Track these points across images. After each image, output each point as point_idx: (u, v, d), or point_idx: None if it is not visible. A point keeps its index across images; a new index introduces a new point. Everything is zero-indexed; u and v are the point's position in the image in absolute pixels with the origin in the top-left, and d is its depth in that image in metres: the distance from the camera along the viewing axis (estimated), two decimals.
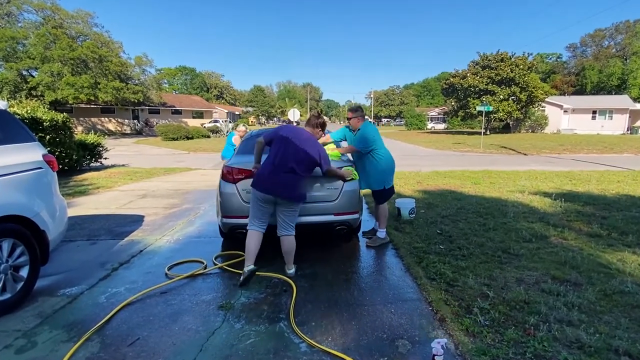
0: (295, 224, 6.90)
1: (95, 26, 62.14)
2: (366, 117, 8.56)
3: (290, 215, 6.78)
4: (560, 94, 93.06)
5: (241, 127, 14.39)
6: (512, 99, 61.55)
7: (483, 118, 46.55)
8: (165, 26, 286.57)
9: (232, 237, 8.00)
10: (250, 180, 7.12)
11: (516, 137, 56.54)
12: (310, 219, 7.38)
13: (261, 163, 6.87)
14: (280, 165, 6.54)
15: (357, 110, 8.54)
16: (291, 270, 6.90)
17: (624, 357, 4.40)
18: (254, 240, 6.70)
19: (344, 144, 8.95)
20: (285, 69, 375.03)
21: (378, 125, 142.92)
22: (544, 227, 9.59)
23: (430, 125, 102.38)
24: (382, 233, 8.74)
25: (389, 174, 8.57)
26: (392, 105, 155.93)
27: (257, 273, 6.82)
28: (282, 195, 6.53)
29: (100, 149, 22.68)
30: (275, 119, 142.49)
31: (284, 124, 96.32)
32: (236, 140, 13.80)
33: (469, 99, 63.57)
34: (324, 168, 6.79)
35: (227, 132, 58.63)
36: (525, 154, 32.65)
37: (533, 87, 60.35)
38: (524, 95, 60.35)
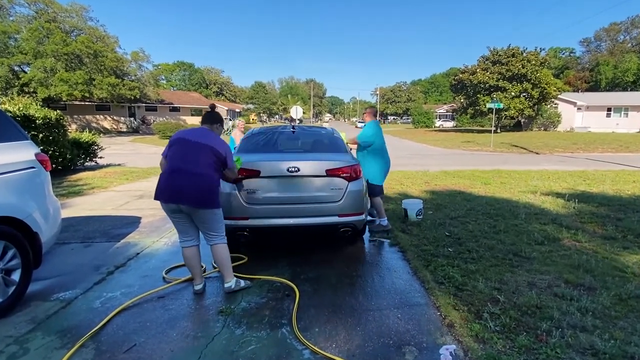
0: (223, 230, 6.56)
1: (90, 20, 62.08)
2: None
3: (210, 222, 6.36)
4: (574, 91, 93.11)
5: (238, 121, 14.47)
6: (524, 96, 61.54)
7: (493, 115, 46.30)
8: (163, 20, 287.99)
9: (233, 239, 8.01)
10: (251, 180, 7.16)
11: (528, 135, 56.48)
12: (313, 220, 7.38)
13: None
14: (177, 168, 6.04)
15: (371, 107, 10.97)
16: (229, 284, 6.41)
17: None
18: (187, 256, 6.46)
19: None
20: (288, 64, 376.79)
21: (384, 123, 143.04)
22: (557, 229, 9.59)
23: (438, 123, 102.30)
24: (384, 221, 9.70)
25: (377, 172, 9.91)
26: (398, 102, 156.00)
27: (259, 277, 6.85)
28: (185, 202, 5.99)
29: (95, 147, 22.68)
30: (277, 116, 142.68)
31: (286, 121, 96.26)
32: (236, 135, 13.84)
33: (478, 95, 63.50)
34: (230, 164, 6.40)
35: (227, 130, 58.67)
36: (537, 153, 32.64)
37: (545, 84, 60.29)
38: (536, 91, 60.32)
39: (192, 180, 5.97)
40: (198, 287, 6.41)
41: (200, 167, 6.05)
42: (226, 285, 6.41)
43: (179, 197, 5.95)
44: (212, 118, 6.63)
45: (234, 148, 9.75)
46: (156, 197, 6.06)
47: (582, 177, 18.00)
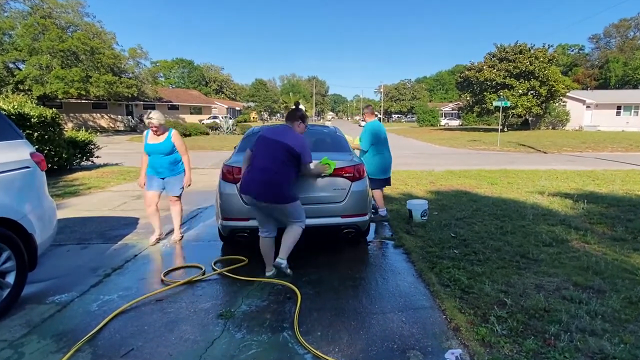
0: (303, 216, 6.95)
1: (87, 16, 62.03)
2: (375, 114, 10.36)
3: (289, 214, 6.81)
4: (583, 88, 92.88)
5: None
6: (532, 94, 61.48)
7: (500, 114, 46.37)
8: (161, 16, 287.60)
9: (233, 240, 8.01)
10: None
11: (535, 134, 56.48)
12: (315, 221, 7.38)
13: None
14: (258, 166, 6.64)
15: (368, 106, 11.49)
16: (282, 261, 6.79)
17: None
18: (263, 245, 7.00)
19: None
20: (289, 61, 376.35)
21: (388, 121, 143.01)
22: (565, 230, 9.58)
23: (443, 121, 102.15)
24: (383, 212, 10.59)
25: (375, 166, 10.60)
26: (403, 100, 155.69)
27: (259, 279, 6.86)
28: (262, 199, 6.57)
29: (92, 146, 22.67)
30: (278, 114, 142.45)
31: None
32: None
33: (485, 93, 63.46)
34: (305, 160, 6.70)
35: (228, 129, 58.68)
36: (545, 152, 32.64)
37: (554, 81, 60.19)
38: (544, 89, 60.23)
39: (269, 177, 6.54)
40: (269, 273, 7.01)
41: (277, 164, 6.57)
42: (279, 260, 6.83)
43: (258, 194, 6.57)
44: (292, 116, 7.14)
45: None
46: (241, 189, 6.81)
47: (591, 177, 18.01)
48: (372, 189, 9.85)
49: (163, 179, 8.92)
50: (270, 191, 6.53)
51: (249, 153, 6.96)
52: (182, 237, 9.43)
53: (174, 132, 8.91)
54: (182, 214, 9.63)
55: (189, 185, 9.17)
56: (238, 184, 7.24)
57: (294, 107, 7.32)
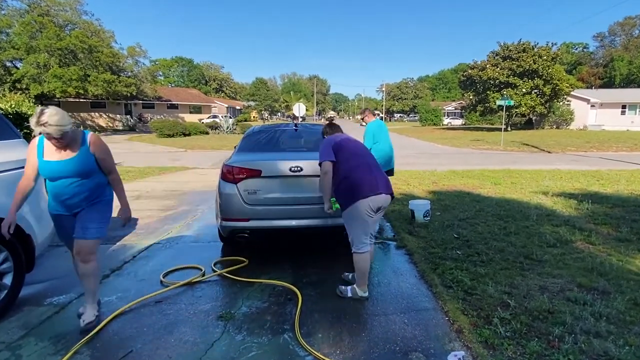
0: None
1: (85, 14, 62.10)
2: (376, 113, 10.61)
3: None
4: (587, 87, 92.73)
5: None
6: (535, 93, 61.37)
7: (504, 113, 46.21)
8: (161, 14, 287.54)
9: (233, 241, 8.01)
10: (251, 180, 7.15)
11: (539, 133, 56.42)
12: (316, 222, 7.37)
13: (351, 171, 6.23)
14: (368, 165, 6.32)
15: (366, 109, 12.14)
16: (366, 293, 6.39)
17: None
18: (367, 260, 6.34)
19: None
20: (290, 60, 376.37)
21: (390, 120, 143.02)
22: (570, 230, 9.57)
23: (446, 120, 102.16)
24: None
25: (381, 160, 10.05)
26: (405, 99, 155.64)
27: (260, 280, 6.86)
28: (388, 192, 6.24)
29: None
30: (279, 114, 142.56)
31: (289, 119, 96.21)
32: None
33: (488, 92, 63.39)
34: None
35: (228, 128, 58.67)
36: (549, 152, 32.63)
37: (558, 80, 60.14)
38: (548, 88, 60.18)
39: (382, 173, 6.38)
40: (365, 294, 6.32)
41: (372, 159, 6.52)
42: (365, 294, 6.43)
43: (387, 189, 6.18)
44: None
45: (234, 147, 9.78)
46: (363, 195, 6.01)
47: (596, 177, 17.98)
48: None
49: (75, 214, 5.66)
50: (389, 186, 6.29)
51: (329, 166, 6.24)
52: (97, 317, 5.63)
53: (91, 136, 5.46)
54: (99, 276, 6.02)
55: (129, 219, 6.33)
56: (238, 184, 7.25)
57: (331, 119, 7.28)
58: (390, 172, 10.97)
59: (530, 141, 41.68)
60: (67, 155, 5.25)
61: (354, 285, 6.41)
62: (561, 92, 61.35)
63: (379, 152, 10.50)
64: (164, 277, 7.09)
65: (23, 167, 6.22)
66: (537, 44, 62.69)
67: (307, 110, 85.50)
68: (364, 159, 6.35)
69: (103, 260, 7.95)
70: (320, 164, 6.26)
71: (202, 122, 64.45)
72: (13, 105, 16.92)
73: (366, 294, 6.30)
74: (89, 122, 67.93)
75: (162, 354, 4.79)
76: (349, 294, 6.36)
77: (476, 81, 65.72)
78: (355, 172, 6.14)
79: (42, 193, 6.82)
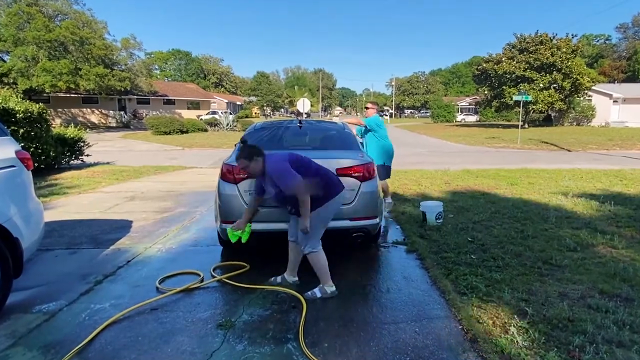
0: None
1: (76, 3, 61.98)
2: (386, 109, 10.93)
3: None
4: (609, 82, 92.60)
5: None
6: (554, 87, 61.40)
7: (520, 109, 46.14)
8: (156, 3, 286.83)
9: (233, 245, 8.00)
10: (253, 180, 7.13)
11: (558, 130, 56.41)
12: None
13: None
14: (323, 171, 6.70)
15: (376, 104, 12.92)
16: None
17: None
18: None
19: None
20: (294, 52, 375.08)
21: (400, 117, 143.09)
22: (591, 234, 9.54)
23: (459, 117, 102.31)
24: (388, 198, 11.60)
25: (386, 155, 12.09)
26: (416, 94, 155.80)
27: (262, 287, 6.85)
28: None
29: (82, 144, 22.70)
30: (282, 110, 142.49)
31: (292, 115, 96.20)
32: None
33: (504, 87, 63.44)
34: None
35: (228, 125, 58.70)
36: (569, 150, 32.61)
37: (578, 74, 60.09)
38: (568, 82, 60.16)
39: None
40: (333, 288, 6.69)
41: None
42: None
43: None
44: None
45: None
46: (335, 193, 6.55)
47: (619, 177, 17.95)
48: (383, 179, 10.85)
49: None
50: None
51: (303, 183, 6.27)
52: None
53: None
54: None
55: None
56: (239, 184, 7.25)
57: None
58: (389, 169, 12.15)
59: (549, 139, 41.68)
60: None
61: (321, 285, 6.61)
62: (581, 86, 61.29)
63: (384, 144, 11.77)
64: (160, 283, 7.05)
65: (11, 166, 6.25)
66: (556, 35, 62.79)
67: (312, 106, 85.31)
68: (314, 163, 6.66)
69: (95, 265, 7.98)
70: (293, 188, 6.10)
71: (201, 119, 64.57)
72: (0, 101, 16.93)
73: (334, 289, 6.62)
74: (80, 119, 67.98)
75: None
76: (319, 295, 6.53)
77: (491, 75, 65.78)
78: (320, 175, 6.50)
79: (31, 194, 6.83)
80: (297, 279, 7.06)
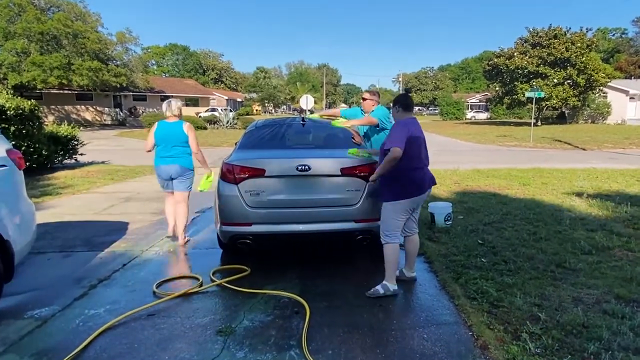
0: None
1: None
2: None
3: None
4: (626, 77, 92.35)
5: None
6: (568, 83, 61.33)
7: (533, 106, 46.01)
8: None
9: (234, 248, 8.01)
10: (254, 181, 7.13)
11: (573, 128, 56.40)
12: (326, 226, 7.38)
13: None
14: (423, 165, 7.03)
15: (376, 94, 10.19)
16: (413, 274, 7.43)
17: None
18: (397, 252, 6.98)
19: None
20: (297, 47, 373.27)
21: None
22: (606, 236, 9.51)
23: (470, 114, 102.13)
24: None
25: None
26: (424, 90, 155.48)
27: (263, 291, 6.84)
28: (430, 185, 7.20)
29: (76, 142, 22.66)
30: (284, 106, 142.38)
31: (295, 113, 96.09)
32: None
33: (516, 83, 63.47)
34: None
35: (228, 122, 58.73)
36: (583, 149, 32.60)
37: (593, 69, 60.04)
38: (582, 78, 60.07)
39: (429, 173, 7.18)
40: (395, 286, 6.86)
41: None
42: (412, 274, 7.42)
43: (430, 183, 7.13)
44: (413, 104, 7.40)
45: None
46: (411, 194, 6.81)
47: (636, 177, 17.93)
48: None
49: None
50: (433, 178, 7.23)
51: (399, 152, 6.58)
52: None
53: None
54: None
55: None
56: (239, 185, 7.24)
57: (406, 93, 7.42)
58: None
59: (563, 137, 41.67)
60: None
61: (384, 282, 6.75)
62: (597, 82, 61.24)
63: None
64: (157, 288, 7.05)
65: (1, 166, 6.26)
66: (570, 29, 62.82)
67: (315, 103, 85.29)
68: (425, 158, 7.09)
69: (90, 269, 7.98)
70: (389, 149, 6.57)
71: (200, 116, 64.60)
72: None
73: (396, 287, 6.83)
74: (73, 116, 67.76)
75: None
76: (381, 292, 6.69)
77: (503, 71, 65.68)
78: (414, 172, 6.79)
79: (22, 195, 6.83)
80: (414, 274, 7.43)
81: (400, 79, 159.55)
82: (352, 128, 9.56)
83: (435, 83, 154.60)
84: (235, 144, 9.06)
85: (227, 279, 7.34)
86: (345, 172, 7.35)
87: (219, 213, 7.53)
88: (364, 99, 10.02)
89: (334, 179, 7.43)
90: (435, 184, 7.28)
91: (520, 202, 12.98)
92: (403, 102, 7.14)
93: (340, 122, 9.59)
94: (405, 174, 6.68)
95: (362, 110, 10.03)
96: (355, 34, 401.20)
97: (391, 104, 7.37)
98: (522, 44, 65.61)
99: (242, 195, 7.24)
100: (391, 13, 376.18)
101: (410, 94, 7.22)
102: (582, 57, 59.33)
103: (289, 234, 7.40)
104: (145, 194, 14.87)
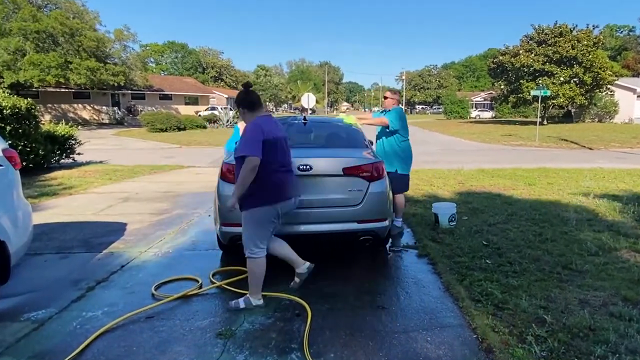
0: None
1: None
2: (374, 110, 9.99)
3: None
4: (634, 75, 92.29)
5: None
6: (574, 82, 61.27)
7: (539, 105, 45.99)
8: None
9: (234, 249, 8.00)
10: None
11: (579, 127, 56.39)
12: (327, 227, 7.39)
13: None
14: (288, 170, 6.57)
15: (397, 93, 10.34)
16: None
17: None
18: (264, 265, 6.55)
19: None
20: (298, 45, 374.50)
21: (411, 113, 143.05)
22: (614, 237, 9.52)
23: (474, 113, 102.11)
24: (399, 222, 9.79)
25: (410, 161, 10.07)
26: (428, 89, 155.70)
27: (264, 293, 6.83)
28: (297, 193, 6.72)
29: (73, 142, 22.72)
30: (285, 105, 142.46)
31: (296, 111, 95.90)
32: (241, 126, 14.06)
33: (521, 81, 63.42)
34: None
35: (228, 121, 58.73)
36: (590, 149, 32.65)
37: (599, 67, 60.00)
38: (589, 76, 60.03)
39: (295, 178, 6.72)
40: (260, 301, 6.50)
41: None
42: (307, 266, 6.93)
43: (297, 190, 6.69)
44: (260, 101, 6.59)
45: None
46: (274, 201, 6.28)
47: None
48: (399, 194, 9.64)
49: None
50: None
51: (256, 160, 6.10)
52: None
53: None
54: None
55: None
56: None
57: (248, 88, 6.70)
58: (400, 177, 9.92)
59: (569, 136, 41.69)
60: None
61: (248, 295, 6.49)
62: (604, 81, 61.22)
63: (409, 148, 10.03)
64: (156, 290, 7.05)
65: None
66: (576, 26, 62.84)
67: (317, 102, 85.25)
68: (288, 159, 6.60)
69: (87, 270, 7.98)
70: (243, 157, 6.06)
71: (199, 115, 64.62)
72: None
73: (262, 302, 6.48)
74: (71, 115, 67.78)
75: None
76: (242, 305, 6.41)
77: (508, 69, 65.72)
78: (275, 175, 6.26)
79: (19, 195, 6.83)
80: (305, 268, 6.90)
81: (403, 77, 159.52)
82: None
83: (439, 81, 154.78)
84: (236, 143, 9.05)
85: (227, 281, 7.36)
86: (348, 172, 7.35)
87: (219, 213, 7.53)
88: (385, 98, 10.13)
89: (336, 179, 7.43)
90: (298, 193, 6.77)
91: (525, 203, 12.99)
92: (245, 101, 6.46)
93: (350, 119, 9.65)
94: (265, 178, 6.13)
95: (384, 111, 10.05)
96: (358, 31, 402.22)
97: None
98: (528, 42, 65.62)
99: None
100: (394, 10, 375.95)
101: (251, 88, 6.08)
102: (589, 55, 59.32)
103: (289, 235, 7.37)
104: (144, 194, 14.89)
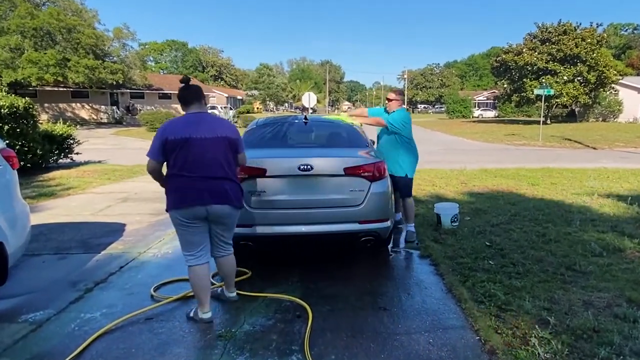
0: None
1: None
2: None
3: (231, 228, 6.47)
4: (638, 74, 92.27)
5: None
6: (578, 80, 61.09)
7: (542, 104, 45.91)
8: None
9: (234, 250, 8.00)
10: (255, 181, 7.14)
11: (583, 126, 56.35)
12: (329, 228, 7.37)
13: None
14: (195, 176, 5.87)
15: (401, 94, 10.55)
16: (233, 294, 6.65)
17: None
18: (201, 276, 6.14)
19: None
20: (299, 43, 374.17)
21: (413, 112, 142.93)
22: (618, 237, 9.53)
23: (477, 112, 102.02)
24: (412, 227, 9.68)
25: (416, 164, 9.88)
26: (430, 88, 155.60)
27: (264, 295, 6.83)
28: (215, 201, 5.93)
29: (71, 141, 22.71)
30: (286, 104, 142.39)
31: (297, 111, 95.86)
32: None
33: (524, 80, 63.27)
34: (241, 148, 6.42)
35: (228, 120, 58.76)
36: (594, 148, 32.64)
37: (604, 66, 59.84)
38: (593, 75, 59.89)
39: (216, 184, 5.92)
40: (208, 315, 6.10)
41: (223, 169, 6.00)
42: (231, 294, 6.69)
43: (209, 198, 5.87)
44: (200, 94, 6.36)
45: None
46: (175, 206, 5.90)
47: None
48: (408, 197, 9.74)
49: None
50: (223, 193, 6.00)
51: (151, 164, 5.96)
52: None
53: None
54: None
55: None
56: (240, 185, 7.23)
57: (184, 84, 6.24)
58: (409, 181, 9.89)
59: (573, 136, 41.67)
60: None
61: (196, 308, 6.20)
62: (608, 80, 61.02)
63: (416, 152, 9.91)
64: (155, 291, 7.05)
65: None
66: (580, 25, 62.60)
67: (318, 101, 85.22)
68: (201, 165, 5.90)
69: (85, 271, 7.98)
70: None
71: None
72: None
73: (208, 316, 6.12)
74: (69, 114, 67.52)
75: None
76: (191, 315, 6.18)
77: (511, 67, 65.54)
78: (176, 179, 5.94)
79: (16, 195, 6.83)
80: (234, 294, 6.73)
81: (405, 76, 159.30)
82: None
83: (442, 80, 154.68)
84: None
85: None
86: (349, 171, 7.34)
87: None
88: (388, 99, 9.82)
89: (337, 179, 7.42)
90: (222, 201, 5.99)
91: (529, 203, 12.99)
92: (179, 96, 6.30)
93: (348, 118, 9.62)
94: (168, 182, 6.00)
95: (386, 110, 9.84)
96: (359, 29, 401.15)
97: None
98: (531, 40, 65.46)
99: (243, 195, 7.22)
100: (396, 8, 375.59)
101: (189, 81, 5.72)
102: (593, 54, 59.17)
103: (290, 235, 7.40)
104: (143, 195, 14.90)
